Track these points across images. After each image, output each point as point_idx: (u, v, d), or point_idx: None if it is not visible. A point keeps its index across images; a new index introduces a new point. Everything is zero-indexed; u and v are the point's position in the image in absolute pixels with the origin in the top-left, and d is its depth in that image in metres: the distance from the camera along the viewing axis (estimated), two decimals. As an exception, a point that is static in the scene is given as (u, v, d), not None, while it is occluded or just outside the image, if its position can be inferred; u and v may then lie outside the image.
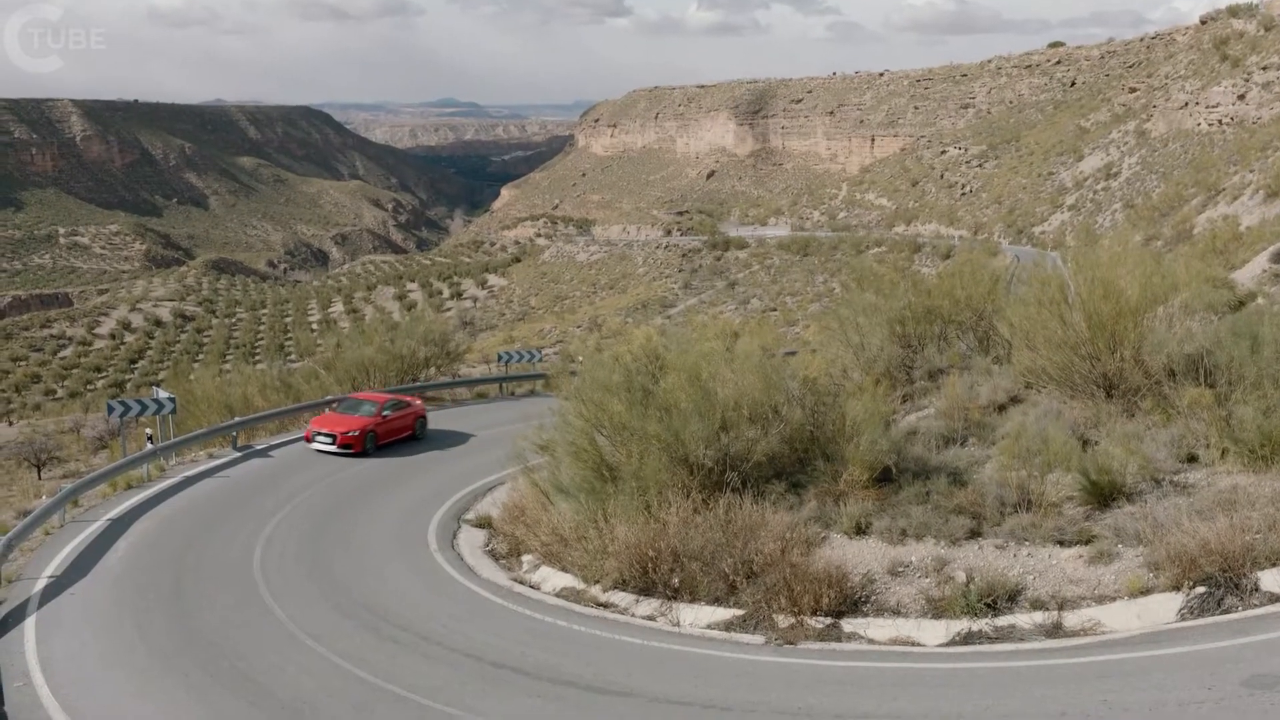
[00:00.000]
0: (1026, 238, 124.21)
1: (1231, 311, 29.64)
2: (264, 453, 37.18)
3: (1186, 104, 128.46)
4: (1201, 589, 17.75)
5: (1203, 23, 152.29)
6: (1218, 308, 30.60)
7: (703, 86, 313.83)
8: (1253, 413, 21.33)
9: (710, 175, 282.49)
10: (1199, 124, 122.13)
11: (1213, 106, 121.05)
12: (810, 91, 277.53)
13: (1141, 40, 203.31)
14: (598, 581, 21.83)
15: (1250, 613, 17.35)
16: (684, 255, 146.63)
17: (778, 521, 21.00)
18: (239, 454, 36.70)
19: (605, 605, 21.35)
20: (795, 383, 24.83)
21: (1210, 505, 19.55)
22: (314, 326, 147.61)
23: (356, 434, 35.59)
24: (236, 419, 39.29)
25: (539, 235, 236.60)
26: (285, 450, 37.42)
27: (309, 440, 36.44)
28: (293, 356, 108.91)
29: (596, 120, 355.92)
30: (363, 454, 35.49)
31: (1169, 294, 27.96)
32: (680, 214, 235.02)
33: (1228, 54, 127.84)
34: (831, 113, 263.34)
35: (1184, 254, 53.51)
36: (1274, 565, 17.96)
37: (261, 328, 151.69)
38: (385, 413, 37.04)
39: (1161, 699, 15.06)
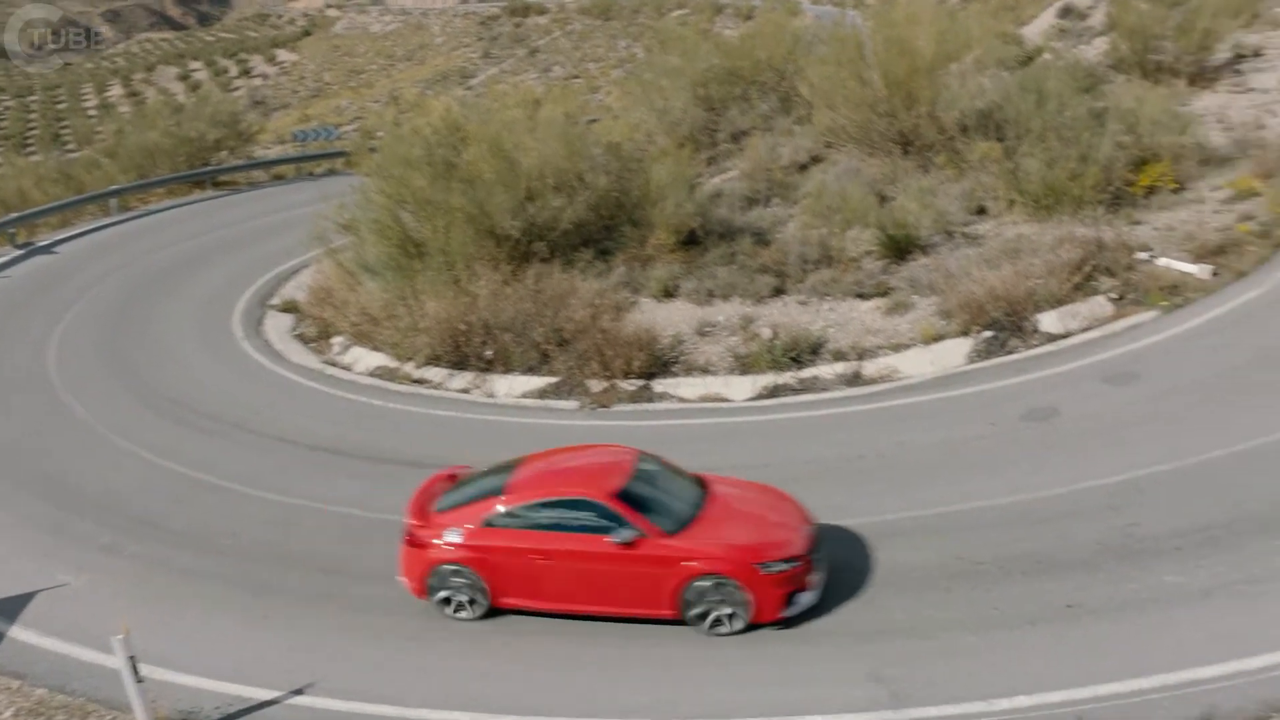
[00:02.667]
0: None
1: (1020, 67, 30.41)
2: (48, 249, 35.26)
3: None
4: (988, 333, 18.82)
5: None
6: (1008, 63, 31.35)
7: None
8: (1037, 165, 22.28)
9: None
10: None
11: None
12: None
13: None
14: (410, 359, 21.75)
15: (1031, 353, 18.56)
16: (482, 23, 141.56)
17: (587, 289, 21.17)
18: (21, 251, 34.71)
19: (420, 381, 21.35)
20: (600, 149, 24.61)
21: (997, 254, 20.57)
22: (91, 113, 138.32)
23: None
24: (13, 215, 36.93)
25: (329, 6, 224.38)
26: (72, 245, 35.59)
27: None
28: (70, 146, 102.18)
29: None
30: None
31: (962, 51, 28.49)
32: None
33: None
34: None
35: (976, 11, 54.20)
36: (1053, 308, 19.12)
37: (32, 116, 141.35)
38: None
39: (950, 436, 16.14)
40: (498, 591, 12.51)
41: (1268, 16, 34.25)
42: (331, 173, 48.20)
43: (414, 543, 12.77)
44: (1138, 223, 22.01)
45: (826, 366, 18.93)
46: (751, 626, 11.96)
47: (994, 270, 19.65)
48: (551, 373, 20.04)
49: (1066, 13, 39.84)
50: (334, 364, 23.26)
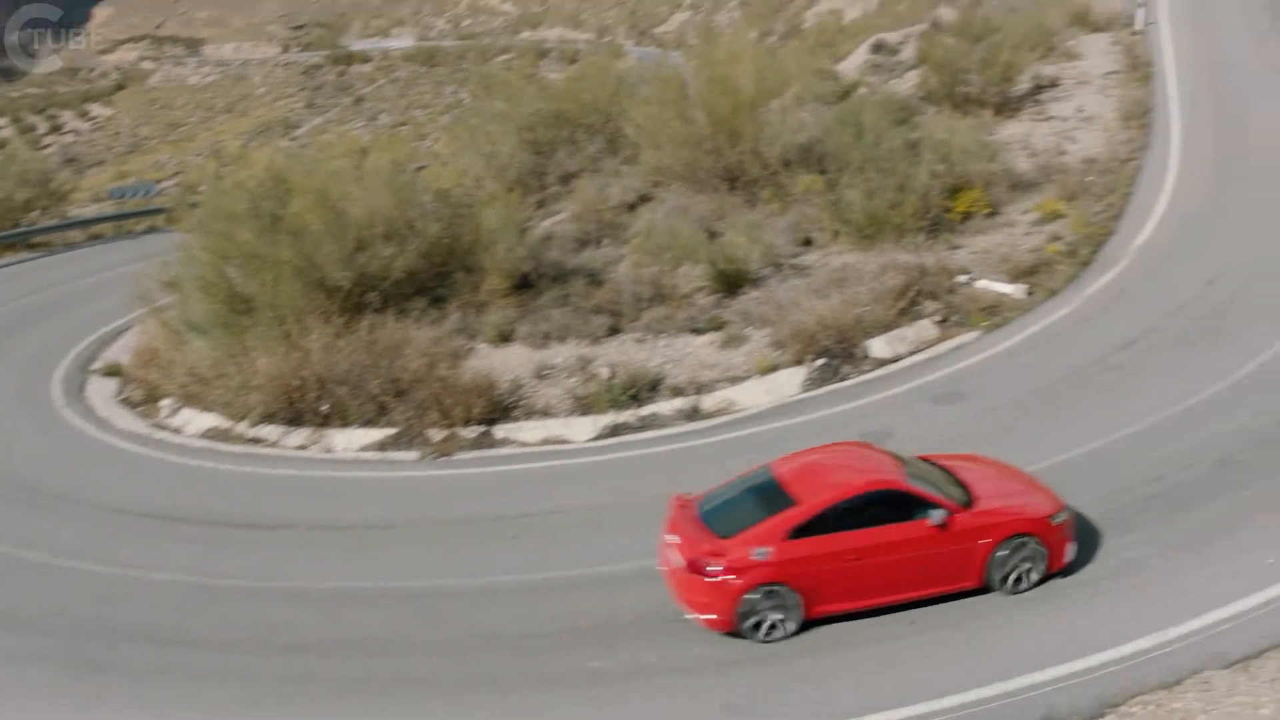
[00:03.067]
0: (649, 39, 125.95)
1: (838, 101, 31.42)
2: None
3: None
4: (821, 361, 19.28)
5: None
6: (826, 98, 32.34)
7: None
8: (858, 195, 23.01)
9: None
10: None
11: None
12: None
13: None
14: (243, 417, 21.11)
15: (862, 378, 19.10)
16: (305, 72, 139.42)
17: (422, 337, 20.94)
18: None
19: (254, 441, 20.75)
20: (429, 196, 24.46)
21: (825, 284, 21.15)
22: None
23: None
24: None
25: (144, 59, 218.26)
26: None
27: None
28: None
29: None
30: None
31: (782, 88, 29.30)
32: (298, 29, 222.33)
33: None
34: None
35: (794, 49, 55.79)
36: (881, 333, 19.72)
37: None
38: None
39: (789, 465, 16.39)
40: (811, 602, 12.04)
41: (1062, 49, 36.19)
42: (152, 230, 46.69)
43: (711, 574, 11.93)
44: (956, 247, 22.91)
45: (665, 403, 19.10)
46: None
47: (823, 299, 20.17)
48: (390, 424, 19.73)
49: (879, 48, 41.39)
50: (163, 427, 22.42)
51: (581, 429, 18.90)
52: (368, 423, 19.93)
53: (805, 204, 24.74)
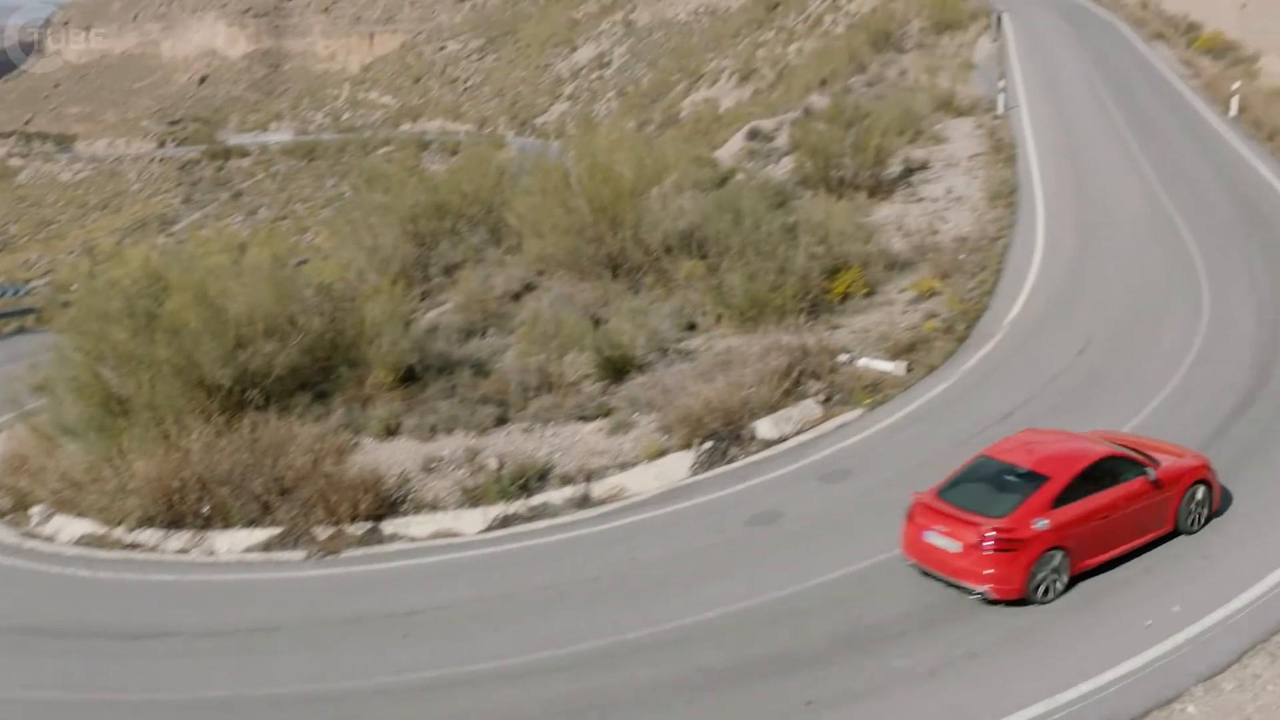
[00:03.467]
0: (530, 129, 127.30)
1: (716, 187, 32.01)
2: None
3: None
4: (709, 444, 19.40)
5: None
6: (705, 185, 32.93)
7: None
8: (739, 279, 23.39)
9: (203, 81, 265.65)
10: (679, 14, 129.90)
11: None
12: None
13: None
14: (120, 522, 20.39)
15: (750, 459, 19.24)
16: (182, 167, 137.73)
17: (306, 434, 20.56)
18: None
19: (133, 546, 20.02)
20: (311, 290, 24.20)
21: (710, 367, 21.38)
22: None
23: None
24: None
25: (11, 155, 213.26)
26: None
27: None
28: None
29: (66, 23, 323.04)
30: None
31: (661, 175, 29.77)
32: (174, 123, 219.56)
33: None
34: (326, 10, 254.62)
35: (672, 136, 56.90)
36: (767, 414, 19.95)
37: None
38: None
39: (681, 549, 16.45)
40: (1074, 560, 13.74)
41: (929, 133, 37.48)
42: (22, 330, 45.16)
43: (1009, 547, 13.31)
44: (836, 327, 23.38)
45: (555, 491, 19.00)
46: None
47: (708, 383, 20.37)
48: (275, 524, 19.24)
49: (754, 135, 42.35)
50: (34, 536, 21.50)
51: (471, 521, 18.68)
52: (251, 523, 19.41)
53: (688, 289, 25.06)
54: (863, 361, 21.59)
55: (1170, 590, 13.53)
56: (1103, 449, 14.65)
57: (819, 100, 42.45)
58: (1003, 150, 35.57)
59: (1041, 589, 13.55)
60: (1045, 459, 14.37)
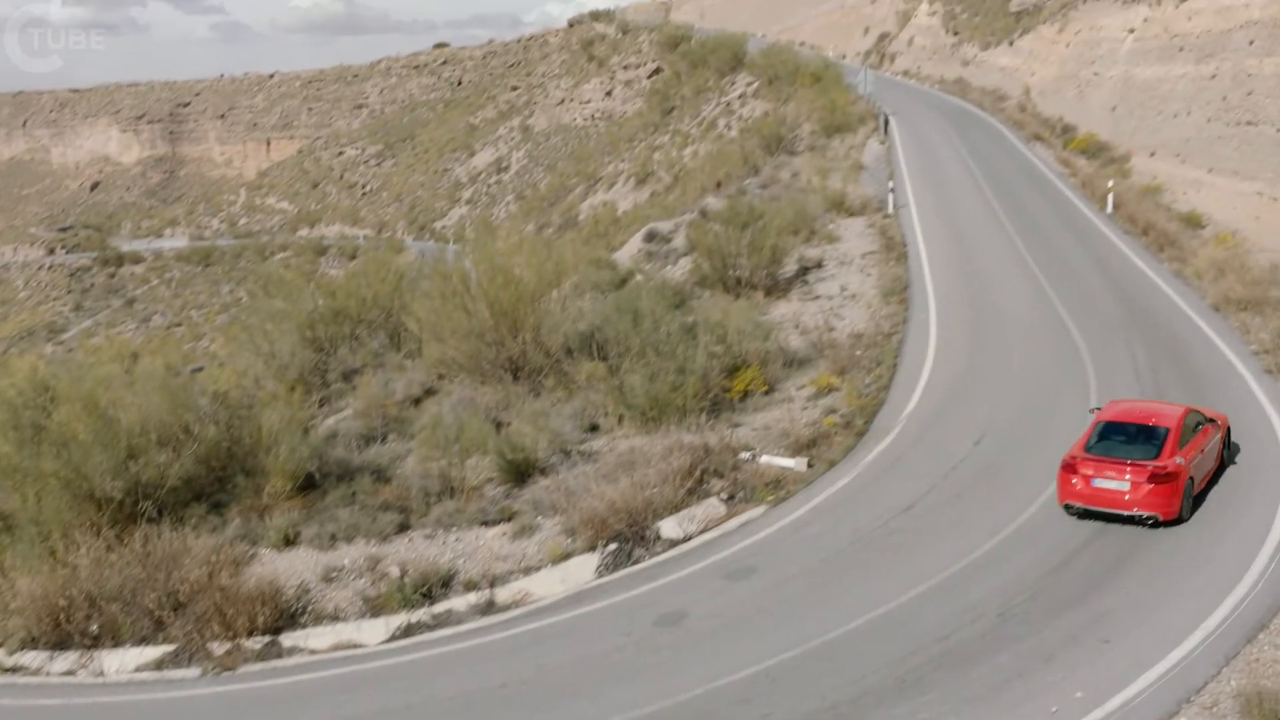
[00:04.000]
0: (429, 233, 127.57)
1: (615, 289, 32.31)
2: None
3: (563, 100, 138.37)
4: (613, 546, 19.28)
5: (571, 25, 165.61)
6: (603, 287, 33.23)
7: (77, 91, 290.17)
8: (640, 380, 23.50)
9: (95, 187, 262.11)
10: (575, 119, 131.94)
11: (585, 102, 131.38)
12: (198, 94, 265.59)
13: (519, 41, 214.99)
14: (1, 645, 19.59)
15: (656, 560, 19.14)
16: (73, 275, 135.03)
17: (201, 546, 19.97)
18: None
19: (15, 670, 19.16)
20: (206, 399, 23.76)
21: (614, 468, 21.33)
22: None
23: None
24: None
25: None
26: None
27: None
28: None
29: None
30: None
31: (561, 277, 30.00)
32: (64, 230, 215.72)
33: (594, 54, 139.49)
34: (223, 116, 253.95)
35: (572, 239, 57.50)
36: (671, 514, 19.93)
37: None
38: None
39: (588, 653, 16.23)
40: (1195, 486, 17.98)
41: (823, 233, 38.36)
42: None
43: (1171, 478, 17.21)
44: (738, 425, 23.56)
45: (460, 598, 18.66)
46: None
47: (612, 484, 20.31)
48: (168, 640, 18.58)
49: (652, 237, 42.92)
50: (-93, 663, 20.56)
51: (374, 631, 18.24)
52: (143, 640, 18.72)
53: (589, 390, 25.12)
54: (764, 458, 21.75)
55: (1072, 676, 13.70)
56: (1184, 406, 19.03)
57: (714, 202, 43.23)
58: (894, 248, 36.51)
59: (1188, 509, 17.63)
60: (1157, 414, 18.52)
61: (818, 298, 32.30)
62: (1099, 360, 25.46)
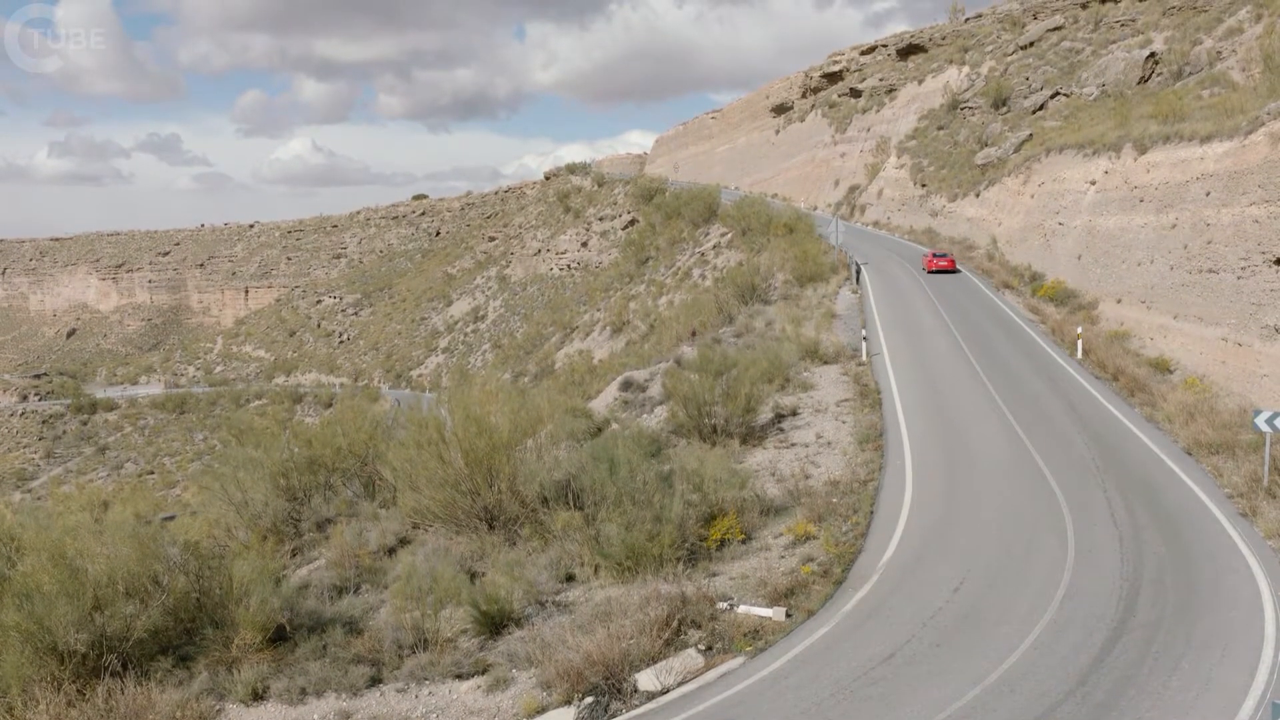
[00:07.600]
0: (405, 381, 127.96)
1: (591, 438, 32.33)
2: None
3: (540, 250, 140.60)
4: (590, 699, 18.87)
5: (547, 178, 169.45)
6: (579, 435, 33.25)
7: (58, 239, 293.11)
8: (616, 529, 23.35)
9: (71, 334, 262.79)
10: (551, 269, 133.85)
11: (561, 253, 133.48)
12: (178, 244, 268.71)
13: (497, 193, 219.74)
14: (-45, 807, 18.92)
15: (633, 713, 18.69)
16: (45, 421, 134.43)
17: (166, 701, 19.50)
18: None
19: (-34, 834, 18.53)
20: (176, 548, 23.42)
21: (589, 619, 21.02)
22: None
23: None
24: None
25: None
26: None
27: None
28: None
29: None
30: None
31: (536, 426, 30.01)
32: (38, 377, 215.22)
33: (570, 206, 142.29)
34: (202, 265, 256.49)
35: (548, 387, 57.69)
36: (649, 665, 19.58)
37: None
38: None
39: (563, 813, 15.75)
40: None
41: (797, 381, 38.66)
42: None
43: None
44: (715, 574, 23.34)
45: (431, 755, 18.22)
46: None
47: (588, 635, 20.00)
48: (128, 802, 18.03)
49: (628, 386, 43.16)
50: None
51: (342, 792, 17.74)
52: (102, 803, 18.15)
53: (565, 539, 24.93)
54: (742, 608, 21.50)
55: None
56: None
57: (689, 351, 43.65)
58: (868, 395, 36.79)
59: None
60: None
61: (793, 445, 32.38)
62: (1075, 504, 25.55)
